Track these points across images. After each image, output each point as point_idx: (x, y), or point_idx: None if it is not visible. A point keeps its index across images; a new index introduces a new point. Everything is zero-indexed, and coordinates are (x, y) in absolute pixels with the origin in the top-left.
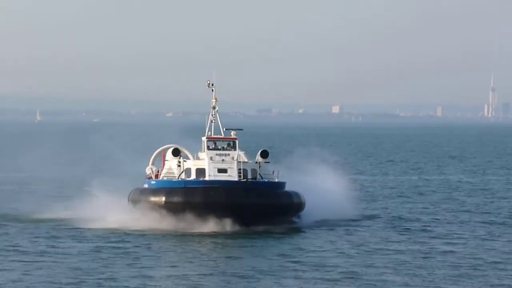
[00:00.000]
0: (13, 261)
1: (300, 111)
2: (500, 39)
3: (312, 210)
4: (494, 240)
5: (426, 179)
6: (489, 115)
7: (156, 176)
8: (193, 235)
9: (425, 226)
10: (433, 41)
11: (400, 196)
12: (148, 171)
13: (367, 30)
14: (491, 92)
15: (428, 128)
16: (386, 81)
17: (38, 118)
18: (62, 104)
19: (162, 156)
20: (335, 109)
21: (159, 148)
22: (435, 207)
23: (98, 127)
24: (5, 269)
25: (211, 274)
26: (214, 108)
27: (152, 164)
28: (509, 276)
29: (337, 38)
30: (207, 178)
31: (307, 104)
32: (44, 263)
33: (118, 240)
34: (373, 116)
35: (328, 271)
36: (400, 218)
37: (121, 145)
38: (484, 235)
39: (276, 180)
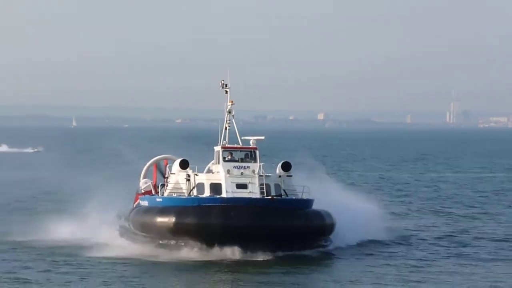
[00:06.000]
0: None
1: (291, 117)
2: (461, 53)
3: (342, 231)
4: None
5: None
6: (451, 121)
7: (149, 192)
8: (209, 263)
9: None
10: (403, 54)
11: (435, 211)
12: (143, 185)
13: (344, 40)
14: (452, 102)
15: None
16: (364, 90)
17: (74, 124)
18: (88, 111)
19: (154, 168)
20: (320, 116)
21: (151, 159)
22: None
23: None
24: None
25: None
26: (229, 112)
27: (144, 177)
28: None
29: (323, 46)
30: (224, 195)
31: (297, 111)
32: None
33: (121, 269)
34: (355, 123)
35: None
36: (436, 237)
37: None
38: None
39: (304, 197)
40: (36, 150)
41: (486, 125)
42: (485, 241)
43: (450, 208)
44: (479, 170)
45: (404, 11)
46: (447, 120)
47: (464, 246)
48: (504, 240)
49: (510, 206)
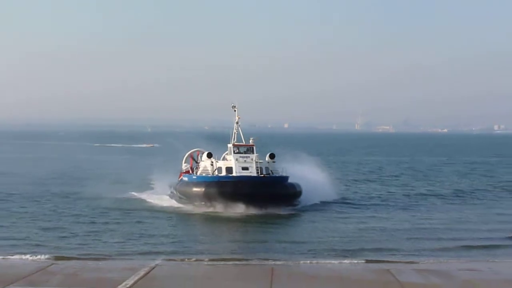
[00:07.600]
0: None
1: (269, 126)
2: (366, 84)
3: (307, 195)
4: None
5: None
6: (358, 128)
7: (188, 172)
8: (224, 216)
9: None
10: (335, 83)
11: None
12: (184, 167)
13: (297, 68)
14: (360, 116)
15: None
16: (311, 107)
17: (149, 129)
18: (152, 122)
19: (190, 157)
20: (286, 125)
21: (188, 151)
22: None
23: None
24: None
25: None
26: (237, 123)
27: (184, 162)
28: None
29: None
30: (234, 174)
31: (272, 121)
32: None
33: (170, 216)
34: (303, 129)
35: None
36: (365, 197)
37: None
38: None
39: (283, 175)
40: (151, 145)
41: (380, 131)
42: (389, 195)
43: (367, 177)
44: (372, 156)
45: (340, 51)
46: (356, 128)
47: (381, 201)
48: (397, 193)
49: (393, 176)
